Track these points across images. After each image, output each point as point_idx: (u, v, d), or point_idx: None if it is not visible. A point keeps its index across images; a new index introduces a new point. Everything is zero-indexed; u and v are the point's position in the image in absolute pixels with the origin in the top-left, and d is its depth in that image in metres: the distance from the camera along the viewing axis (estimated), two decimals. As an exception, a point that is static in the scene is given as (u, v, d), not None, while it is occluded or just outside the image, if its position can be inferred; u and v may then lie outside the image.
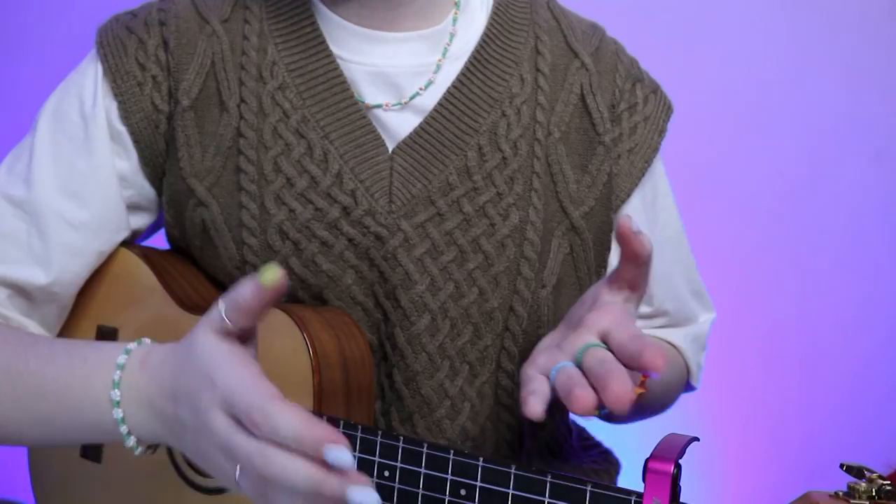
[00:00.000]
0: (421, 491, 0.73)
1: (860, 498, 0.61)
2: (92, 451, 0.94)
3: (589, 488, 0.66)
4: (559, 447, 1.01)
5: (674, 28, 1.80)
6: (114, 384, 0.73)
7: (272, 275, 0.65)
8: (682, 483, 0.65)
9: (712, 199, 1.80)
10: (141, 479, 0.91)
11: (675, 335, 1.05)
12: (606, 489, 0.65)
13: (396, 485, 0.75)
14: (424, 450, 0.73)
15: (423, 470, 0.73)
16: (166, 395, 0.70)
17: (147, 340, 0.77)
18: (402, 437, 0.75)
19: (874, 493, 0.61)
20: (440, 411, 0.89)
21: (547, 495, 0.68)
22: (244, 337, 0.70)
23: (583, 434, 1.11)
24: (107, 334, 0.95)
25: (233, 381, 0.65)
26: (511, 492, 0.69)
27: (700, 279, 1.07)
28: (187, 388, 0.68)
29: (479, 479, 0.71)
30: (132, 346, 0.75)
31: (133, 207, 0.95)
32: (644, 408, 0.98)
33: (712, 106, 1.78)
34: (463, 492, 0.71)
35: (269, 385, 0.65)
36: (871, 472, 0.63)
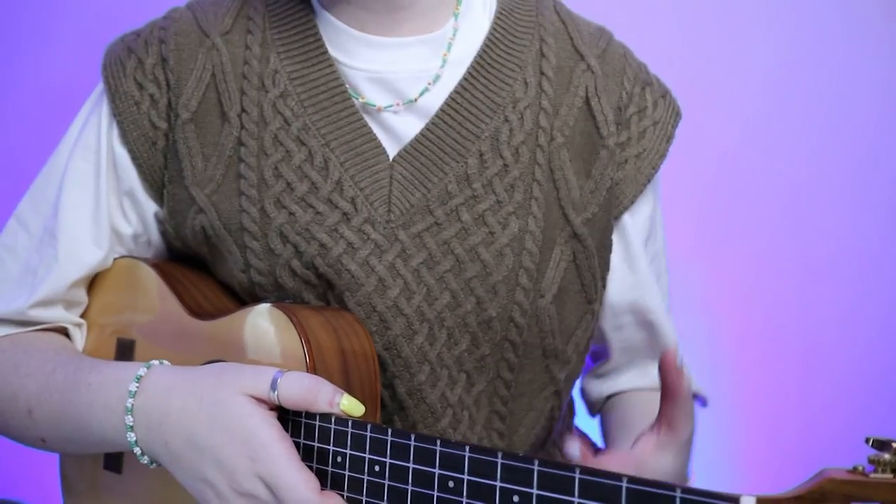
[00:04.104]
0: (410, 487, 0.66)
1: (883, 471, 0.51)
2: (113, 463, 0.91)
3: (577, 475, 0.57)
4: (560, 452, 0.96)
5: (671, 31, 1.74)
6: (126, 410, 0.75)
7: (351, 410, 0.71)
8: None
9: (710, 200, 1.73)
10: (157, 488, 0.88)
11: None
12: (594, 474, 0.56)
13: (386, 482, 0.68)
14: (412, 442, 0.66)
15: (411, 465, 0.66)
16: (185, 442, 0.72)
17: (156, 362, 0.78)
18: (390, 430, 0.68)
19: (899, 465, 0.50)
20: (444, 420, 0.84)
21: (535, 486, 0.59)
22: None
23: (585, 439, 1.03)
24: (126, 346, 0.92)
25: (280, 465, 0.68)
26: (499, 484, 0.61)
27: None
28: (216, 445, 0.70)
29: (466, 471, 0.63)
30: (142, 371, 0.77)
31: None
32: None
33: (708, 108, 1.71)
34: (451, 484, 0.64)
35: (310, 476, 0.69)
36: (900, 443, 0.53)
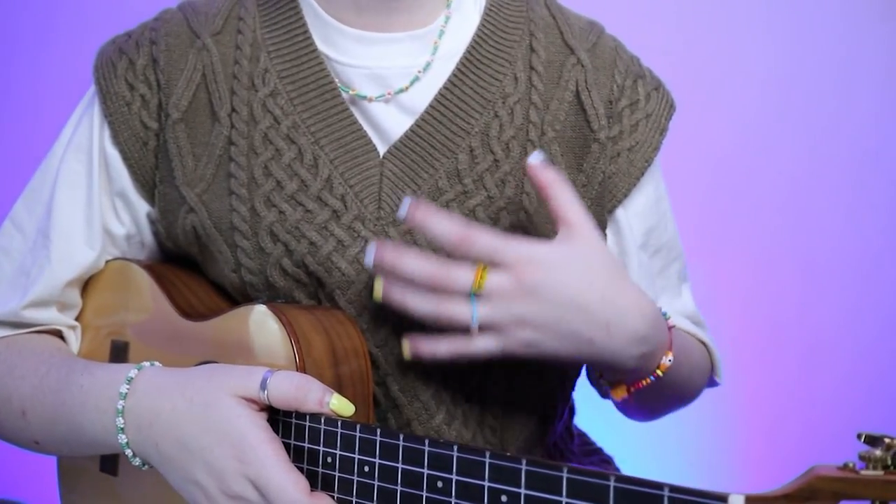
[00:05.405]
0: (399, 488, 0.65)
1: (874, 467, 0.49)
2: (109, 466, 0.90)
3: (565, 474, 0.56)
4: (560, 453, 0.94)
5: (672, 31, 1.74)
6: (117, 412, 0.75)
7: (341, 410, 0.70)
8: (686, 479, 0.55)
9: (710, 200, 1.73)
10: (152, 490, 0.86)
11: (701, 334, 0.96)
12: (582, 474, 0.55)
13: (376, 482, 0.66)
14: (400, 442, 0.65)
15: (400, 465, 0.65)
16: (175, 443, 0.72)
17: (147, 364, 0.77)
18: (378, 430, 0.67)
19: (890, 462, 0.49)
20: (438, 418, 0.83)
21: (523, 486, 0.58)
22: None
23: (585, 439, 1.03)
24: (120, 348, 0.91)
25: (269, 467, 0.68)
26: (487, 484, 0.60)
27: (685, 289, 0.97)
28: (205, 447, 0.70)
29: (454, 471, 0.62)
30: (133, 373, 0.76)
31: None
32: (663, 397, 0.88)
33: (708, 108, 1.71)
34: (440, 484, 0.62)
35: (299, 478, 0.68)
36: (892, 438, 0.51)
